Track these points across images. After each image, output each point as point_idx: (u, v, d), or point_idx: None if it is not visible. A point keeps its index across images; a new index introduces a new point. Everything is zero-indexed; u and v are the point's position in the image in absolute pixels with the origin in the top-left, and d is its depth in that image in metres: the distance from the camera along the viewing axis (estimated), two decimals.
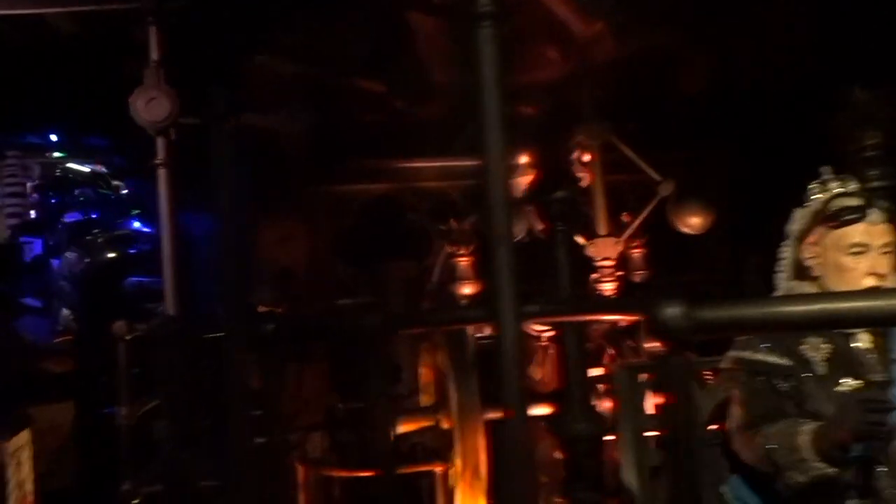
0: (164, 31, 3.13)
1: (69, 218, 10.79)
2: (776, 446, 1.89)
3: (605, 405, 2.60)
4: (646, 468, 1.98)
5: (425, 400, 3.50)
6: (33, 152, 11.24)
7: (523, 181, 2.93)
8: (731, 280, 4.90)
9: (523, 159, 2.96)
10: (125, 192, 11.69)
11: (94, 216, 10.82)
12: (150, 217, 10.08)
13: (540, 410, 3.02)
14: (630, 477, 1.88)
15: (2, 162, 11.02)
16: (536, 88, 3.77)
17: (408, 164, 5.15)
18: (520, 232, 2.81)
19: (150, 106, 3.06)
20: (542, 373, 3.40)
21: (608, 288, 3.59)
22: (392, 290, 4.85)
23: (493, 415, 2.70)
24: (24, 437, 3.67)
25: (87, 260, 6.86)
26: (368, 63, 4.07)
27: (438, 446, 3.23)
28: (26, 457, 3.65)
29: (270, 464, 2.86)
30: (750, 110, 4.37)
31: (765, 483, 1.97)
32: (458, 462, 2.55)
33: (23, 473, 3.58)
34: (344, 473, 3.14)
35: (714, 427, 2.07)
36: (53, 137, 8.62)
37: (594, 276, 3.64)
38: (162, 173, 3.30)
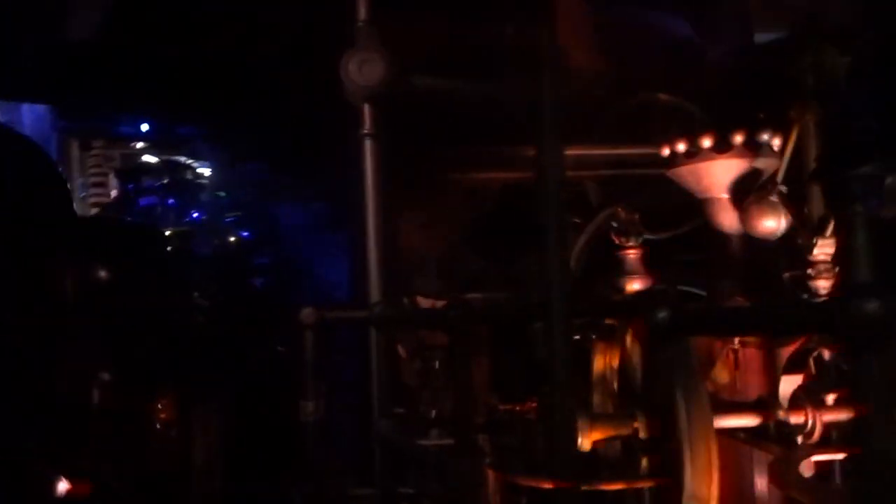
0: None
1: (143, 202, 11.01)
2: None
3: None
4: None
5: (596, 403, 3.25)
6: (117, 142, 11.28)
7: (771, 163, 2.55)
8: None
9: (765, 136, 2.55)
10: (204, 181, 11.75)
11: (169, 203, 11.02)
12: (235, 203, 10.12)
13: (737, 422, 2.73)
14: None
15: (87, 153, 11.11)
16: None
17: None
18: (776, 224, 2.49)
19: (363, 69, 2.81)
20: (730, 377, 3.12)
21: (824, 286, 3.26)
22: (529, 284, 4.62)
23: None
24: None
25: (216, 242, 6.92)
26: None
27: (625, 459, 2.97)
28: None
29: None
30: None
31: None
32: (688, 483, 2.25)
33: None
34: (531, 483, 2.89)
35: None
36: (145, 127, 8.61)
37: (803, 272, 3.33)
38: (368, 145, 3.03)
